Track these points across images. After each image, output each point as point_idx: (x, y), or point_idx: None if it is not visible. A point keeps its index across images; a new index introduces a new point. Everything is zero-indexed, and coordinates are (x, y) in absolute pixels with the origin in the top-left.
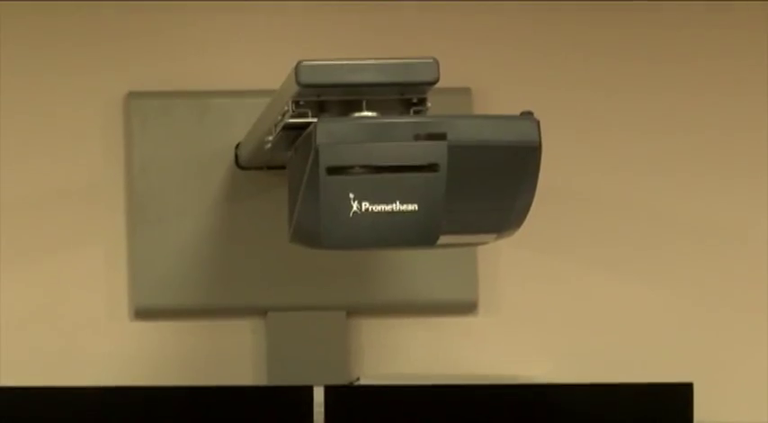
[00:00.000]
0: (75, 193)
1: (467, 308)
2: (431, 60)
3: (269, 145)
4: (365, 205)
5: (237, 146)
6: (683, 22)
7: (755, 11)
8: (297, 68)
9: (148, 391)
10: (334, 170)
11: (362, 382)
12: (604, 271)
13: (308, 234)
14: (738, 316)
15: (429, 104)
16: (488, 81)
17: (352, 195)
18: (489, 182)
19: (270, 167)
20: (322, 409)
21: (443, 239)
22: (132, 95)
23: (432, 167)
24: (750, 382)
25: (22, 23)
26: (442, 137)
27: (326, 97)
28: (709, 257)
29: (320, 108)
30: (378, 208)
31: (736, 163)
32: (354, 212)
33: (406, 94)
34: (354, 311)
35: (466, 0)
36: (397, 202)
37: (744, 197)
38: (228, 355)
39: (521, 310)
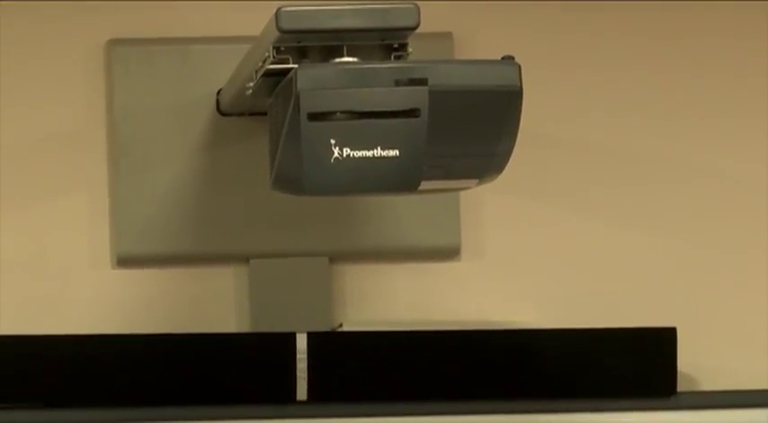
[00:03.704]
0: (57, 140)
1: (449, 253)
2: (411, 5)
3: (250, 91)
4: (346, 151)
5: (219, 92)
6: None
7: None
8: (277, 14)
9: (132, 339)
10: (314, 116)
11: (345, 328)
12: (587, 216)
13: (289, 180)
14: (722, 260)
15: (410, 50)
16: (470, 25)
17: (333, 141)
18: (471, 127)
19: (251, 114)
20: (305, 356)
21: (425, 185)
22: (113, 42)
23: (413, 113)
24: (733, 326)
25: None
26: (423, 82)
27: (307, 43)
28: (692, 202)
29: (301, 54)
30: (359, 154)
31: (722, 107)
32: (336, 158)
33: (387, 40)
34: (337, 257)
35: None
36: (379, 148)
37: (730, 141)
38: (211, 303)
39: (504, 256)
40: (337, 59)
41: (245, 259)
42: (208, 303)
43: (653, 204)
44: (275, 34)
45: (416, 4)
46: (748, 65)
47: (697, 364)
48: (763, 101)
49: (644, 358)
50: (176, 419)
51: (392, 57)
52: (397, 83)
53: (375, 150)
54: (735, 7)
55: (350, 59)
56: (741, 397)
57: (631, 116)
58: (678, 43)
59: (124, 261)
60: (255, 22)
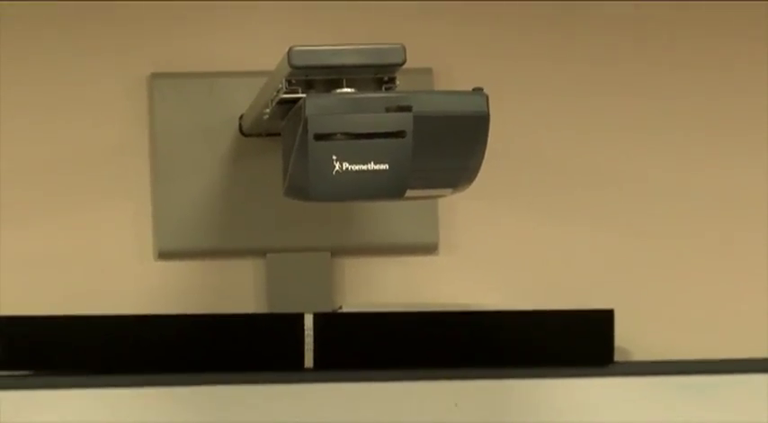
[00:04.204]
0: (109, 154)
1: (429, 249)
2: (399, 46)
3: (266, 116)
4: (345, 165)
5: (241, 117)
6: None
7: None
8: (289, 53)
9: (168, 318)
10: (320, 137)
11: (344, 309)
12: (543, 218)
13: (298, 189)
14: (655, 253)
15: (398, 82)
16: (446, 62)
17: (334, 157)
18: (447, 146)
19: (267, 134)
20: (311, 333)
21: (409, 193)
22: (154, 76)
23: (400, 134)
24: (665, 309)
25: (63, 12)
26: (408, 109)
27: (313, 77)
28: (628, 203)
29: (308, 85)
30: (356, 167)
31: (657, 121)
32: (337, 171)
33: (379, 74)
34: (337, 252)
35: None
36: (372, 163)
37: (660, 149)
38: (235, 289)
39: (474, 251)
40: (338, 90)
41: (262, 254)
42: (232, 290)
43: (596, 206)
44: (287, 69)
45: (403, 45)
46: (687, 87)
47: (632, 340)
48: (696, 110)
49: (586, 335)
50: (204, 384)
51: (383, 88)
52: (387, 109)
53: (369, 165)
54: (699, 28)
55: (348, 90)
56: (669, 366)
57: (584, 134)
58: (633, 71)
59: (164, 255)
60: (271, 58)
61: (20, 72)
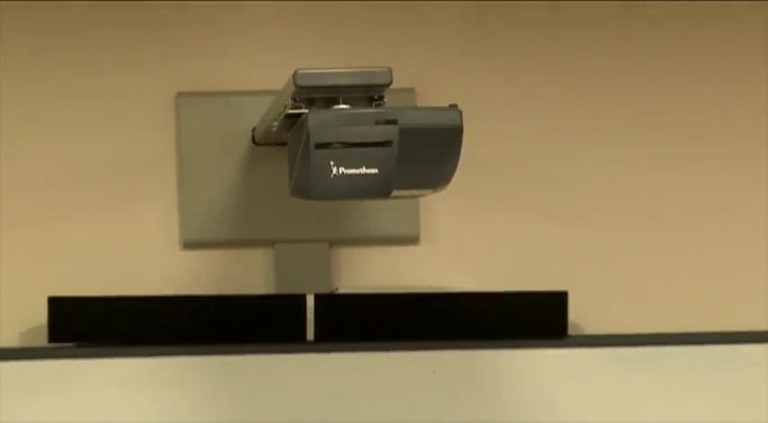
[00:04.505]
0: (143, 162)
1: (412, 240)
2: (386, 69)
3: (275, 128)
4: (341, 170)
5: (253, 129)
6: (598, 19)
7: None
8: (294, 75)
9: (186, 299)
10: (320, 145)
11: (340, 291)
12: (509, 213)
13: (302, 190)
14: (609, 243)
15: (386, 100)
16: (427, 83)
17: (332, 163)
18: (427, 153)
19: (276, 144)
20: (312, 311)
21: (395, 193)
22: (181, 94)
23: (387, 143)
24: (617, 291)
25: (107, 39)
26: (394, 122)
27: (315, 95)
28: (582, 199)
29: (310, 102)
30: (350, 171)
31: (602, 128)
32: (334, 175)
33: (370, 93)
34: (334, 243)
35: (414, 15)
36: (363, 168)
37: (609, 149)
38: (247, 274)
39: (450, 242)
40: (335, 106)
41: (271, 244)
42: (245, 274)
43: (553, 204)
44: (293, 89)
45: (390, 68)
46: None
47: (584, 319)
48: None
49: (544, 313)
50: (220, 354)
51: (373, 104)
52: (377, 122)
53: (361, 169)
54: (662, 37)
55: (344, 106)
56: (615, 338)
57: (542, 143)
58: (596, 87)
59: (189, 245)
60: (278, 79)
61: (70, 88)
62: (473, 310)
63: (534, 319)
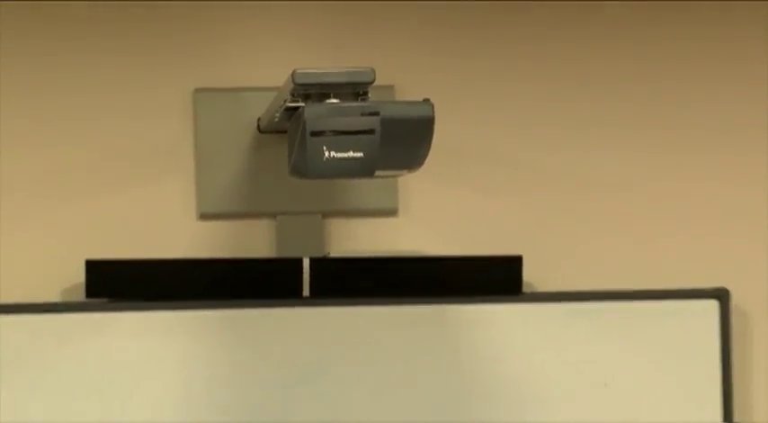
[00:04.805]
0: (167, 146)
1: (391, 212)
2: (370, 69)
3: (276, 119)
4: (332, 153)
5: (259, 119)
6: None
7: None
8: (293, 74)
9: (201, 262)
10: (314, 133)
11: (331, 255)
12: (474, 189)
13: (299, 170)
14: (562, 212)
15: (369, 95)
16: (404, 80)
17: (324, 148)
18: (404, 140)
19: (277, 132)
20: (308, 272)
21: (377, 173)
22: (198, 90)
23: (371, 132)
24: (568, 256)
25: (121, 29)
26: (377, 114)
27: (310, 91)
28: (536, 178)
29: (306, 97)
30: (339, 155)
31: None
32: (326, 158)
33: (356, 89)
34: (327, 215)
35: (393, 22)
36: (351, 152)
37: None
38: (253, 241)
39: (423, 214)
40: (328, 100)
41: (274, 216)
42: (251, 241)
43: (513, 181)
44: (291, 85)
45: (373, 69)
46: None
47: (539, 279)
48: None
49: (502, 274)
50: (230, 308)
51: (359, 99)
52: (362, 114)
53: (348, 153)
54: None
55: (335, 100)
56: (564, 295)
57: (505, 128)
58: (559, 83)
59: (204, 216)
60: (279, 77)
61: (106, 85)
62: (442, 272)
63: (494, 279)
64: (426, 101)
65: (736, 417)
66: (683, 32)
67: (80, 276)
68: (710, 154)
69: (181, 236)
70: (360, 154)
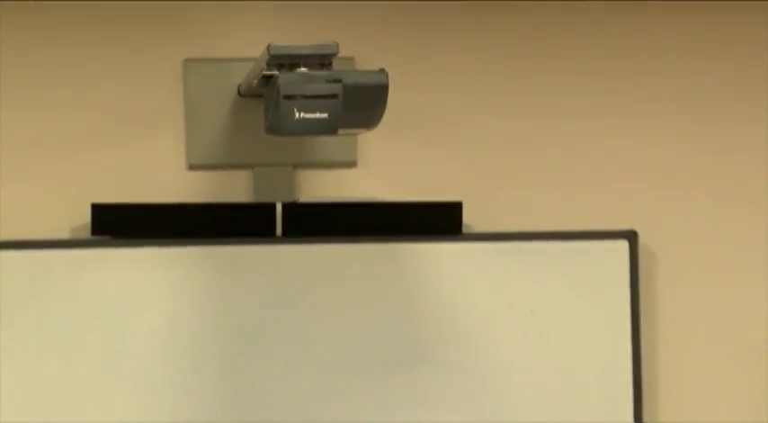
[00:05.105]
0: (160, 109)
1: (351, 164)
2: (334, 43)
3: (254, 85)
4: (302, 114)
5: (239, 85)
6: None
7: None
8: (268, 47)
9: (190, 206)
10: (287, 97)
11: (300, 200)
12: (426, 145)
13: (273, 128)
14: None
15: (333, 65)
16: (363, 52)
17: (295, 109)
18: (362, 103)
19: (255, 96)
20: (280, 214)
21: (340, 132)
22: (187, 60)
23: (334, 96)
24: (507, 203)
25: (113, 11)
26: (339, 81)
27: (283, 61)
28: (482, 137)
29: (280, 66)
30: (308, 116)
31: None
32: (297, 118)
33: (322, 60)
34: (297, 166)
35: (352, 6)
36: (317, 113)
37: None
38: (234, 188)
39: (379, 166)
40: (298, 69)
41: (251, 167)
42: (233, 188)
43: (456, 139)
44: (267, 57)
45: (336, 43)
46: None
47: (477, 222)
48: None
49: (445, 217)
50: (213, 245)
51: (324, 68)
52: (327, 81)
53: (315, 114)
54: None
55: (304, 70)
56: (499, 235)
57: (452, 94)
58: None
59: (193, 167)
60: (257, 49)
61: (105, 55)
62: (394, 215)
63: (438, 221)
64: (382, 70)
65: (643, 337)
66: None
67: (86, 218)
68: (624, 117)
69: (172, 184)
70: (325, 115)
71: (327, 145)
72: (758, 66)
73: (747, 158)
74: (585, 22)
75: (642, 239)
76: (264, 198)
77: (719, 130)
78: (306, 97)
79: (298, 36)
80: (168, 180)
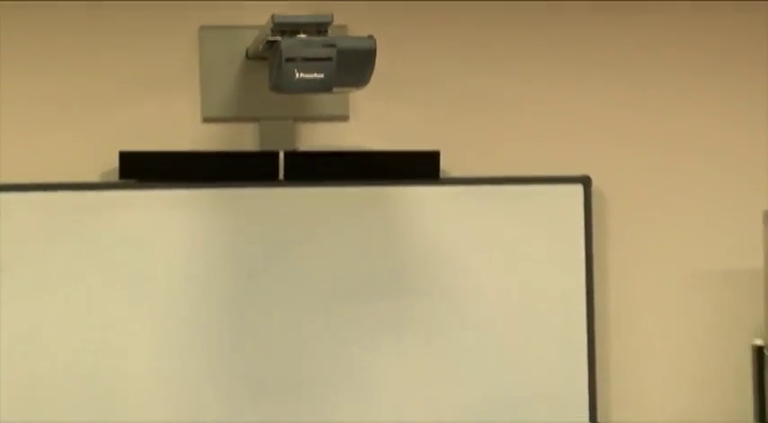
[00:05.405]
0: (180, 70)
1: (344, 118)
2: (330, 13)
3: (260, 49)
4: (301, 75)
5: (247, 49)
6: None
7: None
8: (272, 17)
9: (204, 154)
10: (288, 59)
11: (300, 149)
12: (407, 101)
13: (277, 86)
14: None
15: (329, 32)
16: (355, 21)
17: (296, 70)
18: (353, 65)
19: (261, 58)
20: (282, 161)
21: (334, 90)
22: (203, 28)
23: (329, 59)
24: (478, 150)
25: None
26: (333, 46)
27: (285, 29)
28: (458, 92)
29: (282, 33)
30: (306, 76)
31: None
32: (297, 78)
33: (319, 28)
34: (297, 120)
35: None
36: (315, 74)
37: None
38: (243, 138)
39: (368, 120)
40: (298, 36)
41: (257, 120)
42: (242, 138)
43: (435, 96)
44: (271, 25)
45: (332, 13)
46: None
47: (454, 169)
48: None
49: (425, 164)
50: (225, 187)
51: (320, 34)
52: (323, 46)
53: (313, 75)
54: None
55: (303, 36)
56: (472, 180)
57: (438, 58)
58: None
59: (206, 119)
60: (263, 18)
61: (130, 25)
62: (381, 163)
63: (419, 167)
64: (370, 36)
65: (595, 267)
66: None
67: (114, 164)
68: (581, 80)
69: (189, 135)
70: (321, 75)
71: (323, 101)
72: (693, 25)
73: (685, 111)
74: None
75: (595, 184)
76: (269, 147)
77: (658, 90)
78: (305, 60)
79: (298, 7)
80: (186, 131)
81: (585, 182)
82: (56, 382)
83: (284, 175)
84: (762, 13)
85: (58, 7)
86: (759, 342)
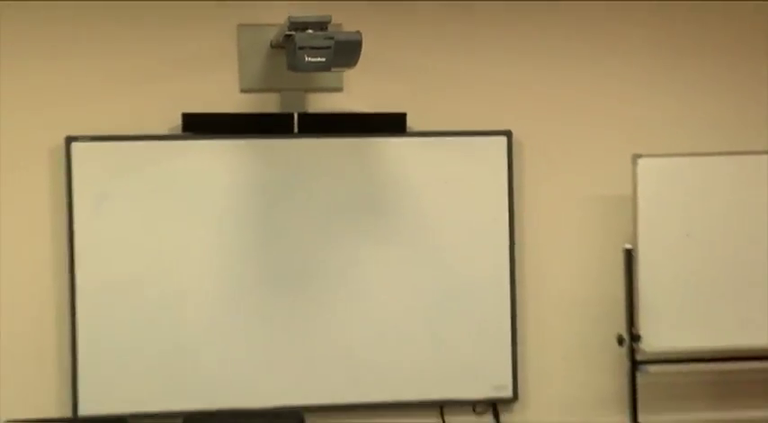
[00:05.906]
0: (220, 54)
1: (338, 89)
2: (329, 15)
3: (281, 40)
4: (309, 59)
5: (271, 41)
6: None
7: None
8: (289, 18)
9: (241, 115)
10: (300, 48)
11: (309, 111)
12: (386, 79)
13: (292, 67)
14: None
15: (329, 29)
16: (349, 20)
17: (305, 55)
18: (346, 50)
19: (281, 47)
20: (296, 119)
21: (333, 70)
22: (241, 26)
23: (329, 48)
24: (438, 113)
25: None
26: (332, 38)
27: (298, 26)
28: (428, 70)
29: (296, 29)
30: (313, 60)
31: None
32: (306, 61)
33: (321, 26)
34: (306, 90)
35: None
36: (319, 58)
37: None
38: (270, 104)
39: (363, 92)
40: (307, 31)
41: (279, 90)
42: (269, 104)
43: (411, 73)
44: (288, 23)
45: (330, 15)
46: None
47: (415, 125)
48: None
49: (396, 121)
50: (255, 138)
51: (323, 30)
52: (324, 38)
53: (318, 59)
54: None
55: (311, 31)
56: (433, 133)
57: (416, 45)
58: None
59: (244, 90)
60: (282, 18)
61: (172, 16)
62: (365, 121)
63: (391, 124)
64: (358, 32)
65: (515, 202)
66: None
67: (177, 122)
68: (510, 49)
69: (231, 101)
70: (323, 59)
71: (325, 77)
72: None
73: (582, 80)
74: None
75: (515, 135)
76: (287, 110)
77: (563, 62)
78: (312, 48)
79: (307, 10)
80: (228, 99)
81: (509, 135)
82: (133, 274)
83: (298, 130)
84: None
85: (136, 7)
86: (628, 246)
